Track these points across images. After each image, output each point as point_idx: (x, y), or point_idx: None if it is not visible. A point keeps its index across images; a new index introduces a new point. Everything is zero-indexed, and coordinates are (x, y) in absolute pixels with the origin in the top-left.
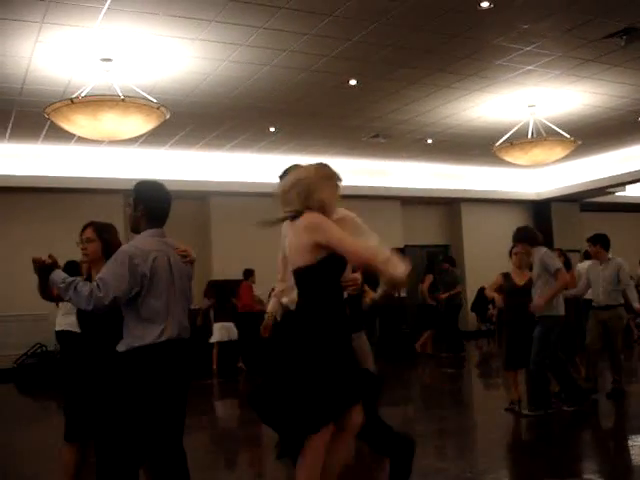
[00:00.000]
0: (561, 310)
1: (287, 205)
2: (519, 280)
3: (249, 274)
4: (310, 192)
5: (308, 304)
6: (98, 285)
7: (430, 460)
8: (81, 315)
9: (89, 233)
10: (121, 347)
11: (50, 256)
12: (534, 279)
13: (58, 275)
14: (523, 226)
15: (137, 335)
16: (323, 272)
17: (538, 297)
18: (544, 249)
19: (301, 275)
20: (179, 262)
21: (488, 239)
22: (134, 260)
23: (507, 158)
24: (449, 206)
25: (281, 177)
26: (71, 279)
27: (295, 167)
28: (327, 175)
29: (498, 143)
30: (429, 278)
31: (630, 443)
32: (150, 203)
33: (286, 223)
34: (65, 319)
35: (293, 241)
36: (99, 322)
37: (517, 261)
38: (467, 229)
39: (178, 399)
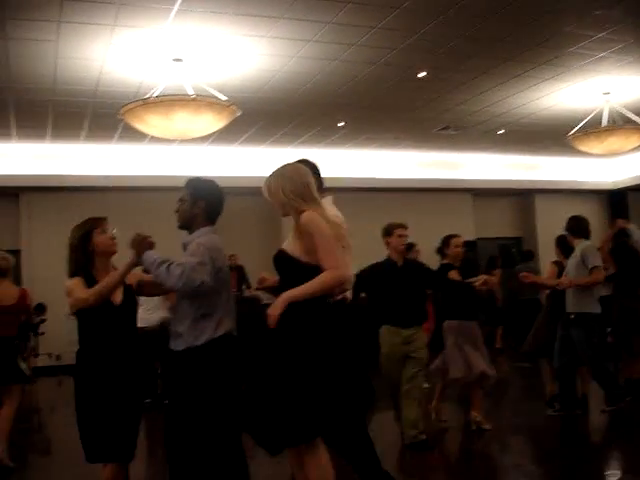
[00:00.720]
0: (596, 308)
1: None
2: None
3: None
4: None
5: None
6: (188, 267)
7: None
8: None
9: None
10: (179, 346)
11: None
12: (566, 269)
13: (151, 254)
14: (574, 215)
15: (196, 332)
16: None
17: (568, 279)
18: (587, 242)
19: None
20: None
21: (563, 231)
22: (213, 253)
23: (582, 147)
24: (522, 197)
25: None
26: (166, 258)
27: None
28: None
29: (572, 132)
30: (498, 273)
31: None
32: (211, 200)
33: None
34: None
35: None
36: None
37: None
38: (541, 221)
39: (237, 395)
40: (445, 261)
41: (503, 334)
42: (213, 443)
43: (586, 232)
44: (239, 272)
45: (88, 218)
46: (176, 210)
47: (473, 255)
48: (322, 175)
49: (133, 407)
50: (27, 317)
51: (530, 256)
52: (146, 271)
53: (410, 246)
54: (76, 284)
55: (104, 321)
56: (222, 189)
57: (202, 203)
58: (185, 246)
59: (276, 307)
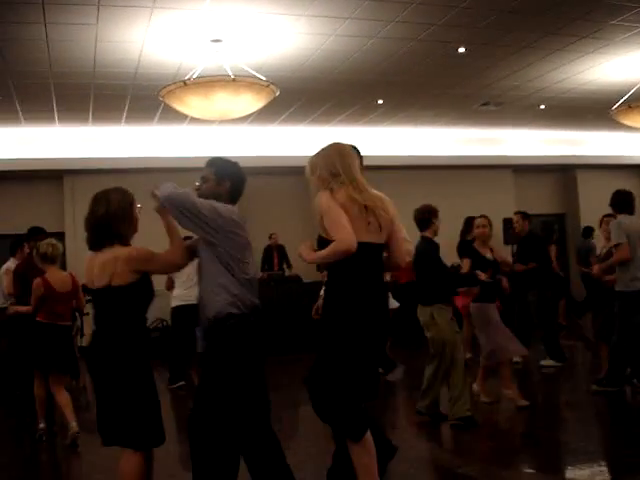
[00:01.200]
0: (633, 286)
1: None
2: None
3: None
4: None
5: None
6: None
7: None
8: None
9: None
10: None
11: None
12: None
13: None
14: (618, 190)
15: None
16: None
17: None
18: (619, 218)
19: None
20: None
21: (607, 207)
22: (222, 213)
23: (626, 121)
24: (564, 173)
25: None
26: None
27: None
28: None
29: (615, 106)
30: (553, 248)
31: None
32: (236, 181)
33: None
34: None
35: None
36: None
37: (604, 230)
38: (584, 197)
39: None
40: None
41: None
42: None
43: (630, 207)
44: (280, 251)
45: (124, 189)
46: (197, 188)
47: (537, 230)
48: (361, 154)
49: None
50: (78, 303)
51: (589, 233)
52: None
53: None
54: (148, 250)
55: (147, 298)
56: (244, 171)
57: (227, 183)
58: None
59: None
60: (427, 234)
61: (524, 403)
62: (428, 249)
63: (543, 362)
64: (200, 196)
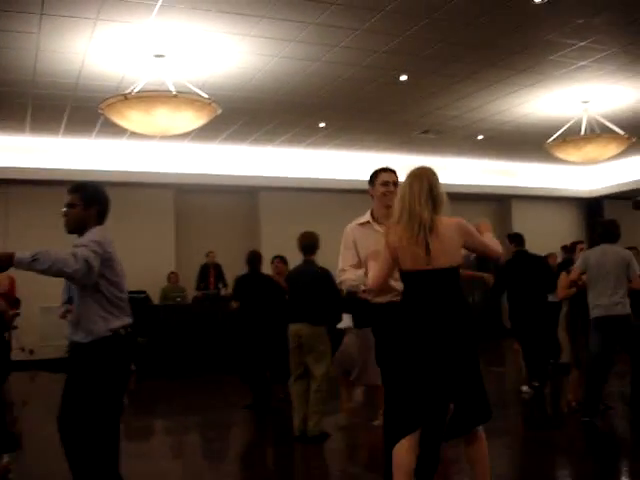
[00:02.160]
0: (592, 313)
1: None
2: None
3: None
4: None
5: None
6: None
7: None
8: None
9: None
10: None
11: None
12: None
13: (21, 255)
14: (602, 221)
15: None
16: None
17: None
18: (597, 248)
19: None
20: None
21: (539, 236)
22: (102, 242)
23: (560, 155)
24: (499, 203)
25: (369, 180)
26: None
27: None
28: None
29: (551, 139)
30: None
31: None
32: (104, 205)
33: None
34: None
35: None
36: None
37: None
38: (518, 226)
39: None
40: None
41: None
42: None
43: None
44: (217, 270)
45: None
46: (64, 214)
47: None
48: (302, 176)
49: None
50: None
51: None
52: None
53: None
54: None
55: None
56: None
57: (94, 209)
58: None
59: None
60: (312, 258)
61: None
62: (326, 273)
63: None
64: (68, 222)
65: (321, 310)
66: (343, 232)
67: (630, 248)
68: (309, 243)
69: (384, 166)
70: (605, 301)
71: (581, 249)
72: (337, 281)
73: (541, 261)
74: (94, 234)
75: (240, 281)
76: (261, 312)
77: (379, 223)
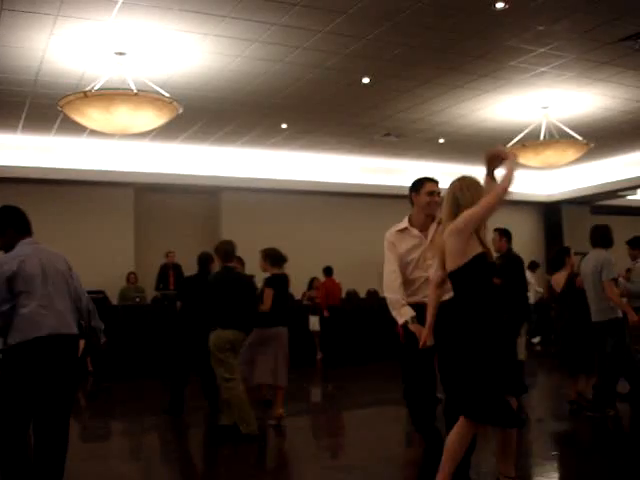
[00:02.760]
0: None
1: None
2: None
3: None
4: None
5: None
6: None
7: None
8: None
9: None
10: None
11: None
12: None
13: None
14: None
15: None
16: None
17: None
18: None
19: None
20: (54, 263)
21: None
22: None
23: (519, 159)
24: None
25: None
26: None
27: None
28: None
29: (510, 144)
30: None
31: None
32: (19, 225)
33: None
34: None
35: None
36: None
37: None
38: None
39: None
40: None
41: None
42: None
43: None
44: (176, 270)
45: None
46: None
47: None
48: (263, 177)
49: None
50: None
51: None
52: None
53: None
54: None
55: None
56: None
57: (11, 231)
58: None
59: None
60: (232, 264)
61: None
62: (250, 280)
63: None
64: None
65: (248, 317)
66: (309, 233)
67: (581, 254)
68: (227, 250)
69: (429, 176)
70: (592, 307)
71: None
72: (387, 288)
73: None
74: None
75: (187, 281)
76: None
77: (417, 229)
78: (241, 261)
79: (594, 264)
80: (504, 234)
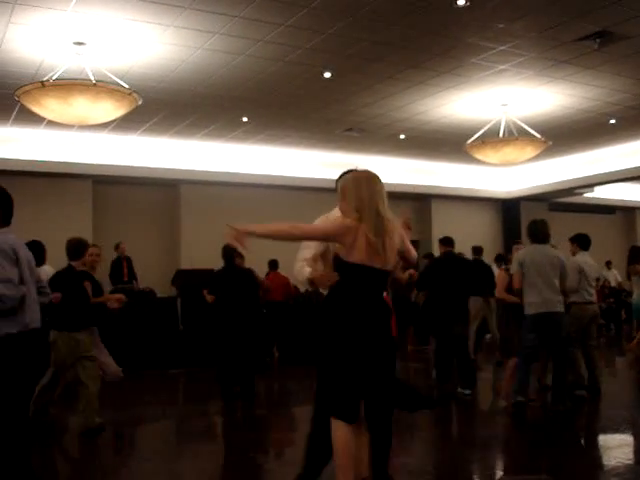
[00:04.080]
0: (527, 310)
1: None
2: None
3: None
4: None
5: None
6: None
7: None
8: None
9: None
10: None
11: None
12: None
13: None
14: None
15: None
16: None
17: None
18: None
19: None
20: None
21: (458, 235)
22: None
23: (478, 156)
24: (420, 202)
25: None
26: None
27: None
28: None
29: (470, 141)
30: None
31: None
32: (6, 207)
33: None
34: None
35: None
36: None
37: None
38: (437, 225)
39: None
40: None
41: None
42: None
43: (534, 236)
44: (129, 262)
45: None
46: None
47: None
48: (224, 170)
49: None
50: None
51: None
52: None
53: None
54: None
55: None
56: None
57: None
58: None
59: None
60: (75, 264)
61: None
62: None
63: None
64: None
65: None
66: None
67: None
68: (75, 248)
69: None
70: (539, 299)
71: (517, 250)
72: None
73: (469, 264)
74: None
75: (217, 276)
76: (238, 306)
77: None
78: (240, 256)
79: (551, 259)
80: (443, 242)
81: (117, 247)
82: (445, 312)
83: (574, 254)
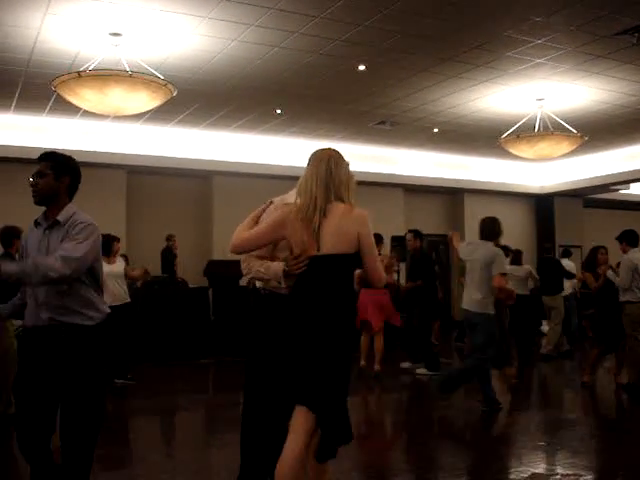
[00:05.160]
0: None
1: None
2: None
3: None
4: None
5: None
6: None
7: None
8: None
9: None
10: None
11: None
12: None
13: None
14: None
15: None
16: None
17: None
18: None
19: (342, 261)
20: None
21: None
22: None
23: (513, 151)
24: (452, 196)
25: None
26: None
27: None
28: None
29: (504, 135)
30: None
31: None
32: (75, 177)
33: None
34: None
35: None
36: None
37: None
38: (469, 220)
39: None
40: None
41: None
42: None
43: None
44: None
45: None
46: (33, 184)
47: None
48: (256, 162)
49: None
50: None
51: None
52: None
53: None
54: None
55: None
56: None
57: (67, 179)
58: (59, 223)
59: None
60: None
61: None
62: None
63: (417, 370)
64: (37, 192)
65: None
66: None
67: (573, 247)
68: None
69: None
70: (471, 297)
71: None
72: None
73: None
74: (86, 216)
75: None
76: None
77: None
78: None
79: (484, 257)
80: (417, 235)
81: (169, 238)
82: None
83: (625, 252)
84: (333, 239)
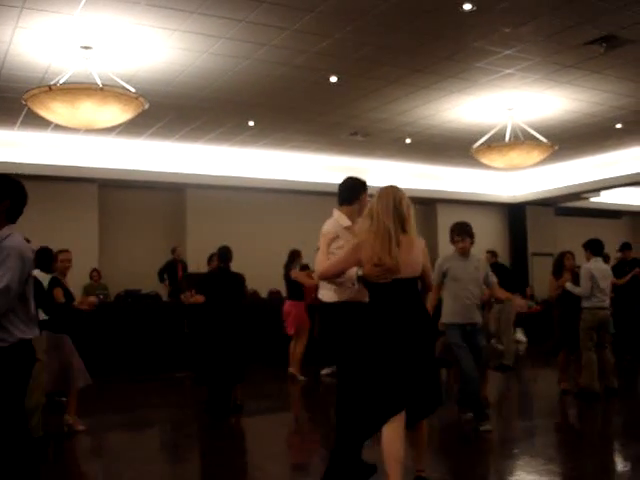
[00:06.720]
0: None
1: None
2: None
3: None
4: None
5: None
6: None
7: None
8: None
9: None
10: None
11: None
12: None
13: None
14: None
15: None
16: None
17: None
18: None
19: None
20: None
21: None
22: (25, 257)
23: (484, 160)
24: (425, 206)
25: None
26: None
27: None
28: None
29: (476, 145)
30: None
31: None
32: (17, 200)
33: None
34: None
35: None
36: None
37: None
38: (442, 229)
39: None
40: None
41: None
42: None
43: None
44: (184, 266)
45: None
46: None
47: None
48: (229, 174)
49: None
50: None
51: None
52: None
53: None
54: None
55: None
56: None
57: (7, 203)
58: None
59: None
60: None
61: (81, 429)
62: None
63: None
64: None
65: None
66: (274, 231)
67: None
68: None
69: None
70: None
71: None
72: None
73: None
74: (15, 241)
75: (208, 277)
76: (226, 311)
77: None
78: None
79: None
80: None
81: (174, 251)
82: None
83: (588, 260)
84: (408, 269)
